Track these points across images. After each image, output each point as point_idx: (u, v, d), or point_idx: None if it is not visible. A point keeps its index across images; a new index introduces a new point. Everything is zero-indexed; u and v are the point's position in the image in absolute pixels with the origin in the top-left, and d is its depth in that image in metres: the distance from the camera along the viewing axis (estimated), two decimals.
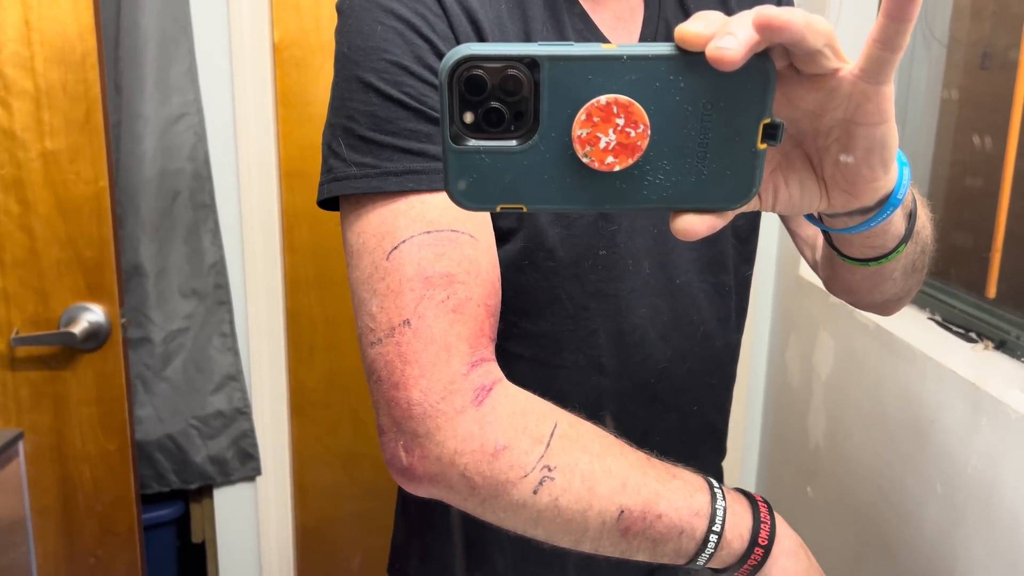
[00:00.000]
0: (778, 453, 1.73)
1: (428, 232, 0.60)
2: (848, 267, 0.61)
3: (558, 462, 0.59)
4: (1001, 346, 1.09)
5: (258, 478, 1.75)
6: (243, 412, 1.69)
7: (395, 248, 0.60)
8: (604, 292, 0.72)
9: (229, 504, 1.76)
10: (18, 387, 1.36)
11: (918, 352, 1.15)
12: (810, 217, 0.52)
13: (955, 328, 1.19)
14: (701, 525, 0.61)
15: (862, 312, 1.33)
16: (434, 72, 0.62)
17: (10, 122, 1.28)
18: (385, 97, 0.61)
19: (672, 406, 0.78)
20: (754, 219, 0.81)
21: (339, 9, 0.67)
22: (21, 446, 0.32)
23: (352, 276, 0.63)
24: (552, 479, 0.58)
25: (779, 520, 0.66)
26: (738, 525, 0.63)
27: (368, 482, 1.86)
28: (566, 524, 0.59)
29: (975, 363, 1.07)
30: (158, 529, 1.73)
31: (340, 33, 0.65)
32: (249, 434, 1.70)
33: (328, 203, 0.66)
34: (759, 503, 0.65)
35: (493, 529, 0.61)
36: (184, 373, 1.64)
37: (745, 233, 0.80)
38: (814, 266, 0.82)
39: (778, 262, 1.71)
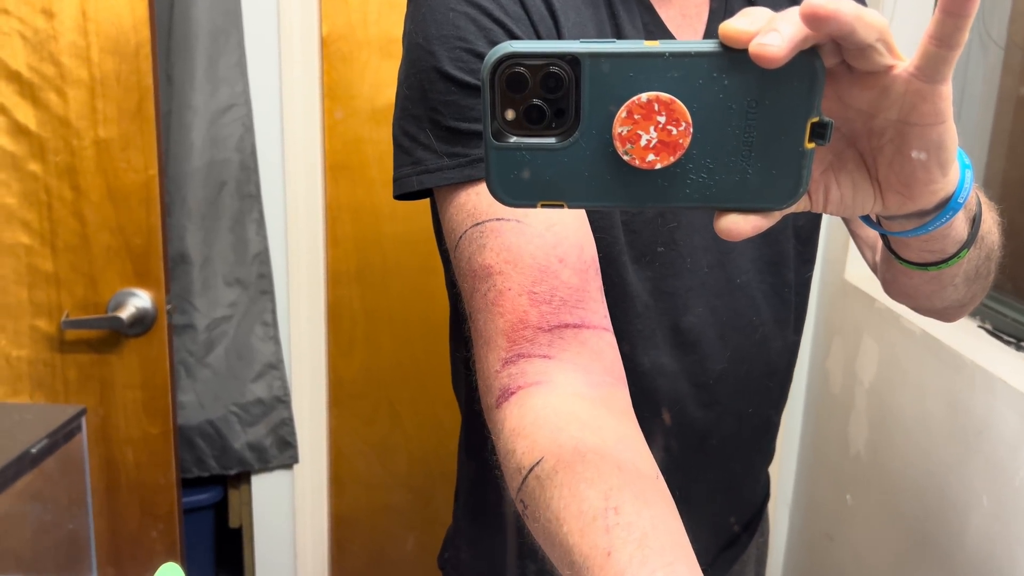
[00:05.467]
0: (817, 460, 1.70)
1: (476, 224, 0.60)
2: (906, 271, 0.58)
3: (529, 502, 0.51)
4: None
5: (295, 466, 1.77)
6: (282, 400, 1.71)
7: (456, 246, 0.61)
8: (662, 290, 0.71)
9: (266, 491, 1.78)
10: (66, 369, 1.39)
11: (967, 360, 1.12)
12: (866, 219, 0.50)
13: (1006, 337, 1.16)
14: None
15: (909, 318, 1.30)
16: None
17: (65, 110, 1.31)
18: (464, 86, 0.61)
19: (730, 409, 0.77)
20: (815, 220, 0.79)
21: None
22: (83, 422, 0.33)
23: None
24: (527, 516, 0.52)
25: None
26: None
27: (403, 474, 1.87)
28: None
29: None
30: (197, 513, 1.76)
31: (413, 21, 0.65)
32: (288, 422, 1.73)
33: (406, 193, 0.66)
34: None
35: None
36: (226, 360, 1.67)
37: (806, 234, 0.78)
38: (874, 268, 0.80)
39: (823, 265, 1.69)
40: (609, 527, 0.46)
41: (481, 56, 0.60)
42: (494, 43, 0.60)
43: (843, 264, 1.60)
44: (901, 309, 1.35)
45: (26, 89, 1.29)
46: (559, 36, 0.64)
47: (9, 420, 0.37)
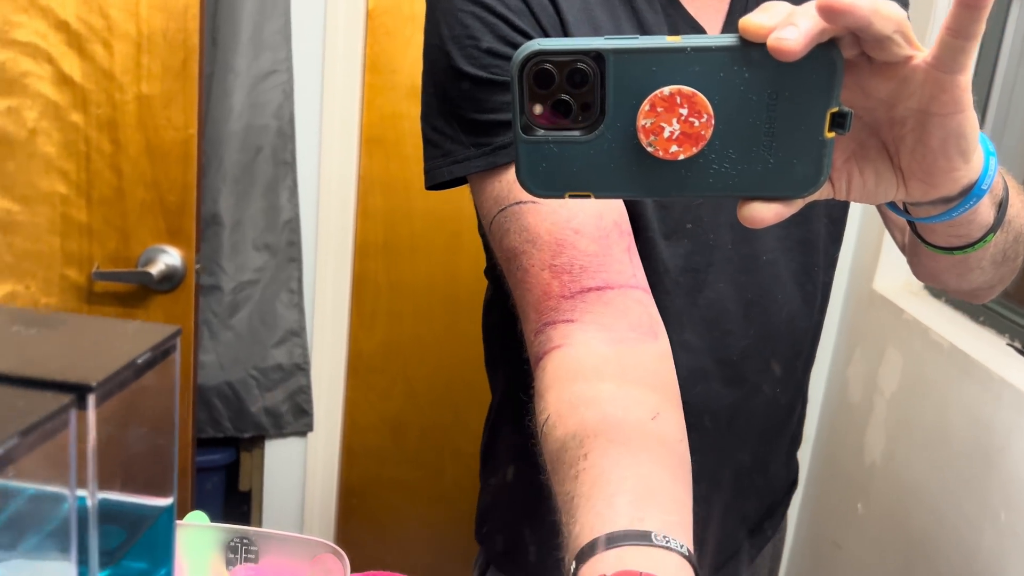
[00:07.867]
0: (830, 466, 1.69)
1: (501, 210, 0.64)
2: (933, 255, 0.60)
3: (545, 452, 0.56)
4: None
5: (309, 434, 1.78)
6: (302, 368, 1.72)
7: (489, 232, 0.66)
8: (687, 266, 0.72)
9: (279, 456, 1.80)
10: None
11: (995, 376, 1.11)
12: (892, 205, 0.51)
13: None
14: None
15: (937, 331, 1.29)
16: (515, 46, 0.65)
17: (111, 63, 1.32)
18: (477, 80, 0.65)
19: (756, 387, 0.77)
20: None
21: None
22: (178, 342, 0.36)
23: None
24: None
25: None
26: None
27: (413, 450, 1.88)
28: None
29: None
30: (208, 473, 1.78)
31: (430, 25, 0.69)
32: (305, 390, 1.74)
33: (437, 183, 0.71)
34: None
35: None
36: (249, 324, 1.68)
37: (838, 212, 0.79)
38: (903, 248, 0.80)
39: (851, 272, 1.68)
40: (578, 473, 0.49)
41: (490, 51, 0.65)
42: (501, 37, 0.65)
43: (872, 273, 1.59)
44: (929, 321, 1.34)
45: (73, 39, 1.30)
46: (562, 23, 0.67)
47: (111, 332, 0.38)
